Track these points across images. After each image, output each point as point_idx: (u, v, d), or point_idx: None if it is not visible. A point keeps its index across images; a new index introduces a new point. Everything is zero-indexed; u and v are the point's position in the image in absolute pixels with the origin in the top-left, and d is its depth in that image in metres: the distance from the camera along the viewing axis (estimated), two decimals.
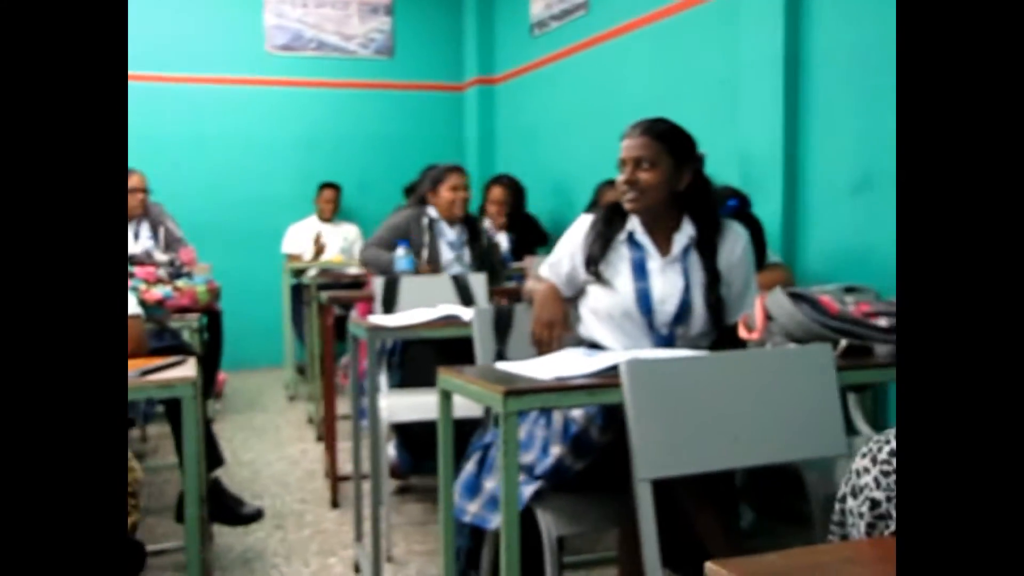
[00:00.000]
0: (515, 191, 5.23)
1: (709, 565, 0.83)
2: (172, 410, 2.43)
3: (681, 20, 4.19)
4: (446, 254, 3.76)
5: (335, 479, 3.46)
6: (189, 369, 1.80)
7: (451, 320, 2.65)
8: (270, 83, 6.59)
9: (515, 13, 6.17)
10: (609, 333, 2.20)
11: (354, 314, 3.72)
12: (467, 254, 3.78)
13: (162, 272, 2.90)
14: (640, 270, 2.19)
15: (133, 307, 2.06)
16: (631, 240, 2.21)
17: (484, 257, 3.81)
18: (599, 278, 2.20)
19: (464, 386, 1.72)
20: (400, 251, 3.59)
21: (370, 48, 6.83)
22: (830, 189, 3.15)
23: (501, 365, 1.91)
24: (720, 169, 3.63)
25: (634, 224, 2.21)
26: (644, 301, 2.16)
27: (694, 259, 2.19)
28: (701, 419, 1.54)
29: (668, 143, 2.16)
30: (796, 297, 2.02)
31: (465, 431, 2.15)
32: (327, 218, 6.22)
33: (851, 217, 3.04)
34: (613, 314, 2.18)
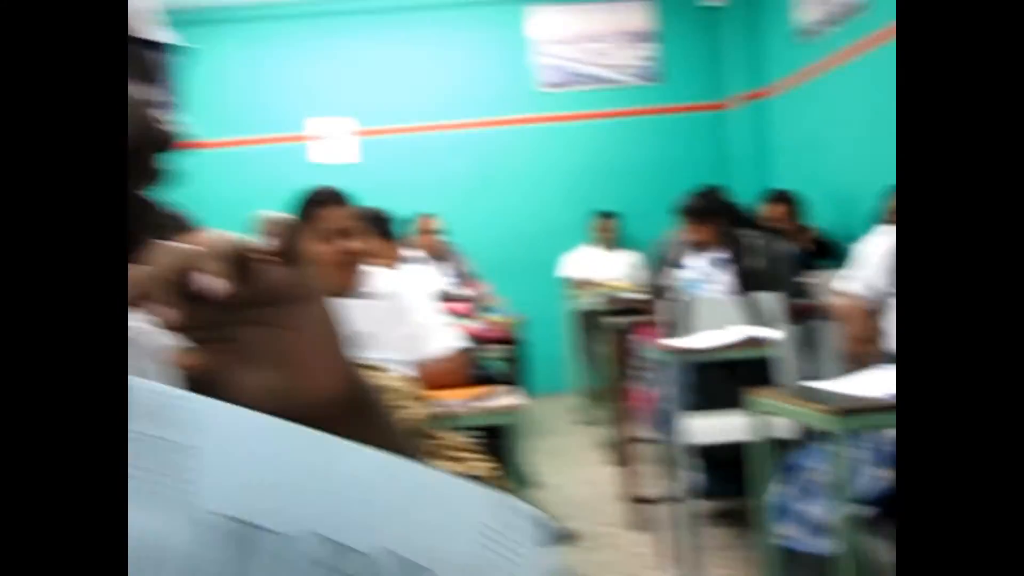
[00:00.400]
0: (792, 205, 5.07)
1: None
2: (489, 436, 2.59)
3: None
4: (693, 273, 3.71)
5: (638, 502, 3.50)
6: (516, 398, 1.92)
7: (753, 341, 2.62)
8: (543, 120, 6.87)
9: (782, 21, 6.01)
10: None
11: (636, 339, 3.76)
12: (725, 273, 3.70)
13: (468, 307, 3.11)
14: None
15: (459, 340, 2.23)
16: None
17: (755, 273, 3.70)
18: None
19: (784, 407, 1.70)
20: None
21: (638, 76, 6.93)
22: None
23: (814, 384, 1.87)
24: None
25: None
26: None
27: None
28: None
29: None
30: None
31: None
32: (605, 246, 6.35)
33: None
34: None
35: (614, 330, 3.77)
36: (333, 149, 6.67)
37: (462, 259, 4.99)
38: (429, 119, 6.74)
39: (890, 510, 1.89)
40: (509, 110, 6.87)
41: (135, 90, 0.58)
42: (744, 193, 6.39)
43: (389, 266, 2.99)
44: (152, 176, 0.60)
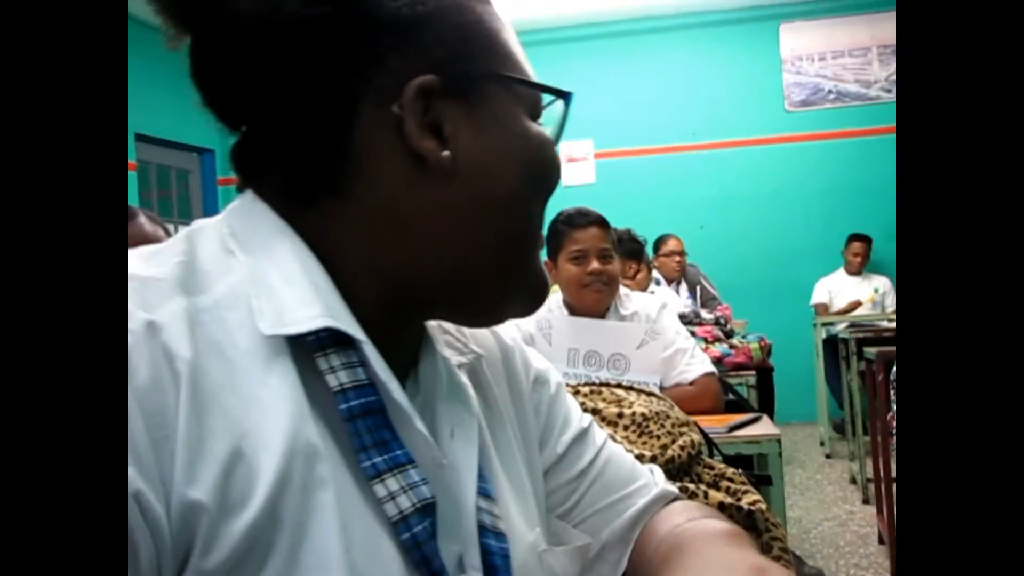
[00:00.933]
0: None
1: None
2: (735, 464, 2.51)
3: None
4: None
5: (895, 548, 3.27)
6: (771, 427, 1.86)
7: None
8: (791, 139, 6.64)
9: None
10: None
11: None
12: None
13: (715, 331, 3.05)
14: None
15: (709, 365, 2.19)
16: None
17: None
18: None
19: None
20: None
21: (891, 91, 6.54)
22: None
23: None
24: None
25: None
26: None
27: None
28: None
29: None
30: None
31: None
32: (855, 271, 6.03)
33: None
34: None
35: (866, 359, 3.55)
36: (572, 170, 6.79)
37: (705, 281, 4.91)
38: (670, 140, 6.70)
39: None
40: (758, 130, 6.69)
41: (535, 129, 0.62)
42: None
43: (642, 288, 2.99)
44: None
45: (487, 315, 0.63)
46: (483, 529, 0.59)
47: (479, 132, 0.57)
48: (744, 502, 0.97)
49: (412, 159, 0.55)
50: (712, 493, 1.02)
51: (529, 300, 0.62)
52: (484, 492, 0.60)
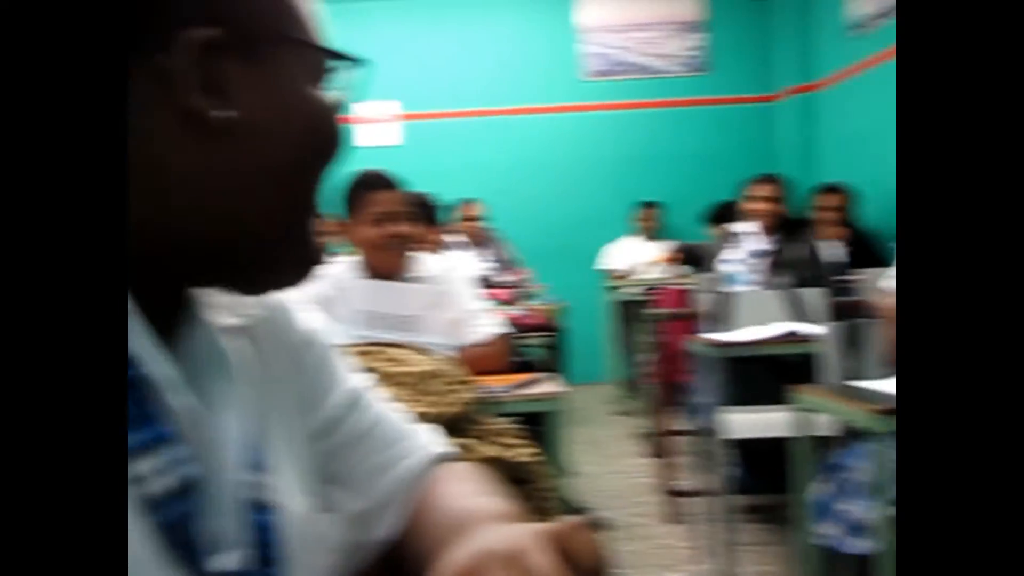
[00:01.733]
0: (846, 198, 4.98)
1: None
2: (526, 422, 2.60)
3: None
4: (735, 266, 3.68)
5: (673, 495, 3.50)
6: (555, 385, 1.93)
7: (792, 337, 2.61)
8: (587, 108, 6.85)
9: (833, 14, 5.92)
10: None
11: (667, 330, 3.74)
12: (764, 266, 3.66)
13: (511, 293, 3.12)
14: None
15: (500, 325, 2.24)
16: None
17: (797, 267, 3.66)
18: None
19: (827, 404, 1.70)
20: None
21: (684, 66, 6.88)
22: None
23: (857, 383, 1.85)
24: None
25: None
26: None
27: None
28: None
29: None
30: None
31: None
32: (648, 236, 6.33)
33: None
34: None
35: (653, 321, 3.76)
36: (377, 132, 6.71)
37: (503, 245, 5.00)
38: (473, 104, 6.75)
39: None
40: (555, 98, 6.86)
41: (321, 96, 0.59)
42: (790, 187, 6.32)
43: (433, 251, 3.01)
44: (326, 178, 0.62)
45: (256, 285, 0.61)
46: (254, 503, 0.58)
47: (262, 95, 0.54)
48: (512, 455, 1.01)
49: (185, 117, 0.52)
50: (484, 447, 1.05)
51: (300, 271, 0.60)
52: (256, 463, 0.59)
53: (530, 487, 1.25)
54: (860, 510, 1.92)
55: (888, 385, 1.76)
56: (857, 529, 1.93)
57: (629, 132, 6.86)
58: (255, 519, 0.57)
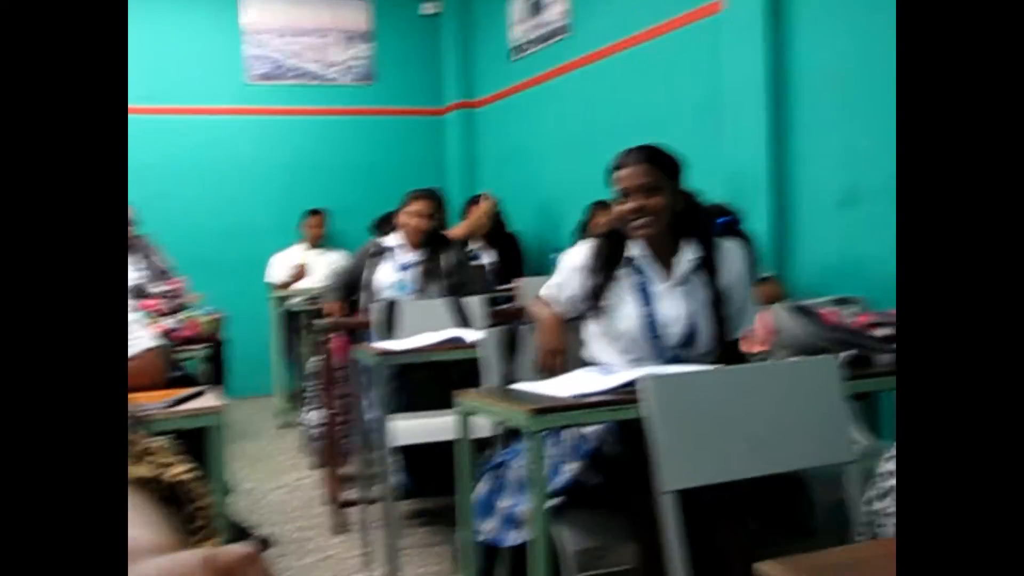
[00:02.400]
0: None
1: (766, 565, 0.89)
2: (186, 439, 2.44)
3: (663, 42, 4.28)
4: (388, 278, 3.78)
5: (339, 505, 3.48)
6: (215, 399, 1.84)
7: (456, 343, 2.70)
8: (251, 112, 6.63)
9: (494, 38, 6.26)
10: (616, 354, 2.25)
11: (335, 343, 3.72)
12: (417, 277, 3.78)
13: (163, 304, 2.93)
14: (644, 295, 2.24)
15: (152, 339, 2.09)
16: (633, 265, 2.27)
17: (448, 277, 3.80)
18: (601, 310, 2.25)
19: (486, 407, 1.77)
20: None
21: (350, 75, 6.89)
22: (817, 203, 3.24)
23: (515, 386, 1.96)
24: (706, 188, 3.72)
25: (636, 249, 2.26)
26: (650, 327, 2.21)
27: (697, 280, 2.24)
28: (718, 431, 1.61)
29: (665, 167, 2.22)
30: (798, 311, 2.10)
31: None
32: (314, 244, 6.25)
33: (839, 230, 3.13)
34: (619, 338, 2.24)
35: (318, 332, 3.72)
36: None
37: (156, 252, 4.67)
38: (131, 102, 6.26)
39: (575, 499, 2.02)
40: (217, 99, 6.55)
41: None
42: (457, 198, 6.57)
43: None
44: None
45: None
46: None
47: None
48: (169, 475, 0.93)
49: None
50: (137, 468, 0.96)
51: None
52: None
53: (190, 507, 1.16)
54: (515, 504, 2.03)
55: (538, 387, 1.88)
56: (513, 522, 2.04)
57: (296, 139, 6.73)
58: None
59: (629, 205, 2.19)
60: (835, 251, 3.15)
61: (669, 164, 2.23)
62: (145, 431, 1.38)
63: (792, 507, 2.08)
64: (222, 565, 0.49)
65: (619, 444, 2.02)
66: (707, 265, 2.24)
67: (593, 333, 2.29)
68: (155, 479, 1.07)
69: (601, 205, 4.07)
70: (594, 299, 2.25)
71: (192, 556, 0.50)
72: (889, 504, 1.07)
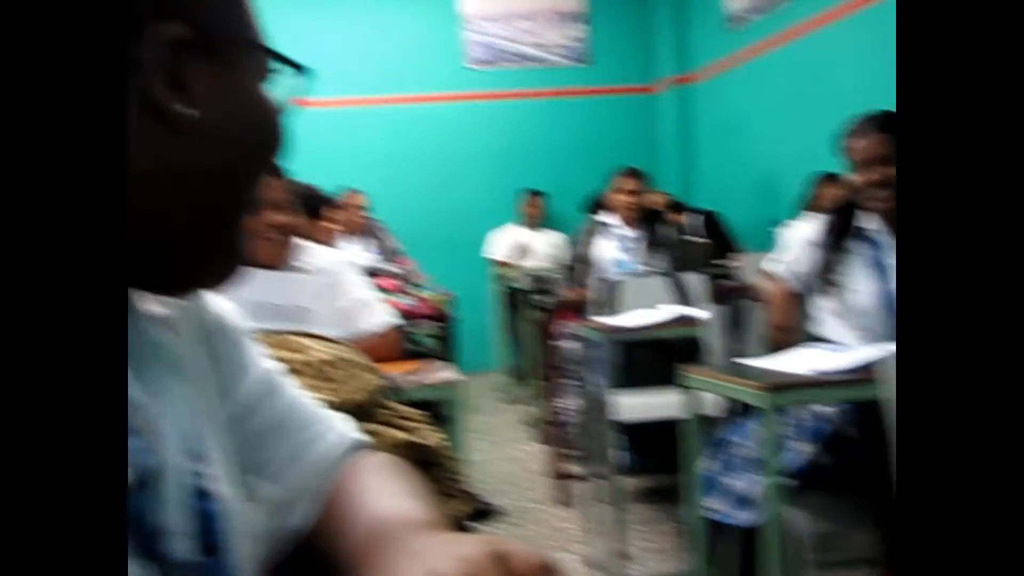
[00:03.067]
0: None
1: None
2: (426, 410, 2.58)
3: (889, 5, 4.02)
4: (610, 255, 3.79)
5: (563, 478, 3.56)
6: (452, 372, 1.93)
7: (683, 320, 2.68)
8: (471, 97, 6.85)
9: (711, 9, 6.11)
10: (849, 332, 2.16)
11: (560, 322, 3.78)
12: (641, 254, 3.77)
13: (400, 283, 3.10)
14: (880, 269, 2.14)
15: (392, 316, 2.22)
16: (868, 239, 2.16)
17: (668, 252, 3.77)
18: (834, 286, 2.17)
19: (717, 383, 1.75)
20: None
21: (566, 56, 6.97)
22: None
23: (740, 361, 1.93)
24: None
25: (871, 221, 2.16)
26: (886, 301, 2.11)
27: None
28: None
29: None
30: None
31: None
32: (532, 224, 6.39)
33: None
34: (853, 313, 2.15)
35: (539, 309, 3.80)
36: None
37: (387, 235, 4.96)
38: (356, 92, 6.65)
39: (810, 482, 1.96)
40: (437, 86, 6.83)
41: (271, 100, 0.59)
42: (670, 175, 6.50)
43: (321, 242, 2.96)
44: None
45: (181, 286, 0.60)
46: (198, 491, 0.57)
47: (225, 97, 0.54)
48: (423, 438, 1.01)
49: (148, 110, 0.50)
50: (393, 432, 1.05)
51: (226, 272, 0.60)
52: (197, 453, 0.59)
53: (440, 471, 1.25)
54: (745, 484, 1.99)
55: (769, 363, 1.84)
56: (743, 502, 2.01)
57: (513, 121, 6.90)
58: (200, 508, 0.58)
59: (870, 177, 2.09)
60: None
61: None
62: (396, 399, 1.48)
63: None
64: (516, 568, 0.49)
65: (856, 426, 1.94)
66: None
67: (825, 309, 2.20)
68: (410, 443, 1.16)
69: (829, 177, 3.89)
70: (826, 274, 2.17)
71: (480, 548, 0.50)
72: None
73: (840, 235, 2.19)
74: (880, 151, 2.08)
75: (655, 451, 3.21)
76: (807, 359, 1.84)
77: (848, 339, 2.15)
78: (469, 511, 1.61)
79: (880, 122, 2.12)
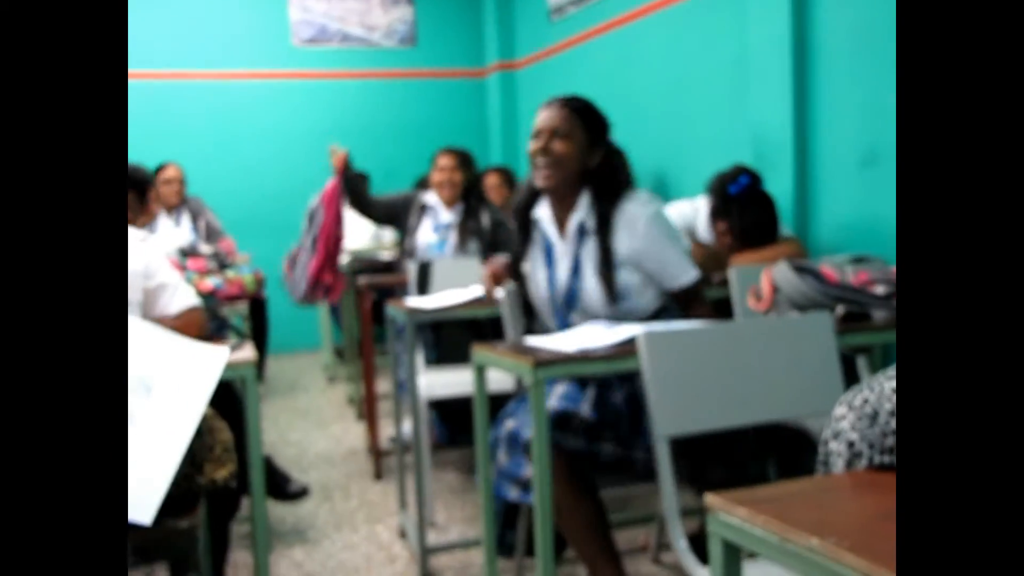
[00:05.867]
0: (507, 179, 5.26)
1: (710, 496, 1.00)
2: (222, 392, 2.61)
3: (694, 4, 4.31)
4: (427, 238, 3.91)
5: (377, 453, 3.67)
6: (248, 352, 2.00)
7: (482, 301, 2.83)
8: (297, 76, 6.79)
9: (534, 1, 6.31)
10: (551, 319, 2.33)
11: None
12: (455, 236, 3.88)
13: (211, 263, 3.10)
14: (549, 256, 2.28)
15: (193, 298, 2.25)
16: (537, 226, 2.29)
17: (483, 236, 3.90)
18: (521, 276, 2.36)
19: (496, 359, 1.90)
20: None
21: (393, 38, 7.01)
22: (839, 164, 3.29)
23: (530, 340, 2.07)
24: (733, 148, 3.78)
25: (542, 210, 2.27)
26: (551, 287, 2.27)
27: (589, 241, 2.20)
28: (712, 382, 1.71)
29: (583, 118, 2.21)
30: (800, 269, 2.19)
31: (500, 405, 2.31)
32: None
33: (859, 190, 3.18)
34: (537, 302, 2.34)
35: (360, 289, 3.88)
36: None
37: (205, 213, 4.88)
38: (176, 66, 6.47)
39: (564, 424, 2.10)
40: (262, 63, 6.72)
41: None
42: (496, 158, 6.68)
43: (138, 225, 2.92)
44: None
45: None
46: None
47: None
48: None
49: None
50: None
51: None
52: None
53: (207, 438, 1.33)
54: (512, 462, 2.12)
55: (551, 342, 2.00)
56: (508, 477, 2.13)
57: (339, 101, 6.88)
58: None
59: (535, 145, 2.19)
60: (855, 210, 3.21)
61: (590, 117, 2.23)
62: None
63: (797, 456, 2.18)
64: None
65: (620, 391, 2.13)
66: (601, 225, 2.17)
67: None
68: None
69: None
70: (513, 272, 2.37)
71: None
72: (839, 444, 1.17)
73: (525, 225, 2.32)
74: (552, 124, 2.18)
75: (464, 425, 3.38)
76: (581, 337, 2.01)
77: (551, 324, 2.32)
78: (227, 475, 1.71)
79: (564, 100, 2.24)
